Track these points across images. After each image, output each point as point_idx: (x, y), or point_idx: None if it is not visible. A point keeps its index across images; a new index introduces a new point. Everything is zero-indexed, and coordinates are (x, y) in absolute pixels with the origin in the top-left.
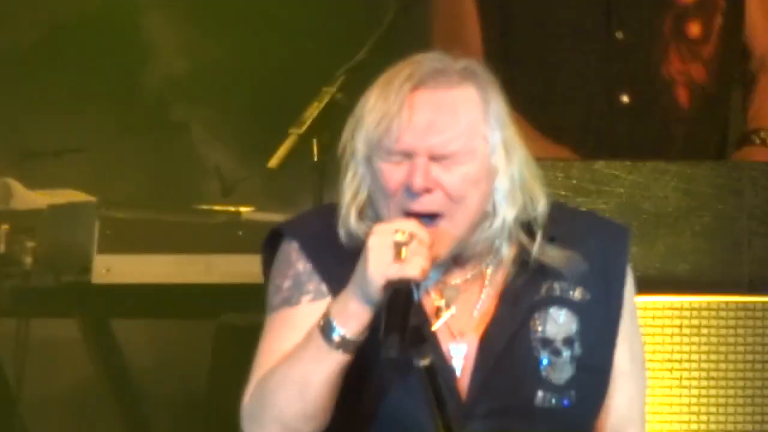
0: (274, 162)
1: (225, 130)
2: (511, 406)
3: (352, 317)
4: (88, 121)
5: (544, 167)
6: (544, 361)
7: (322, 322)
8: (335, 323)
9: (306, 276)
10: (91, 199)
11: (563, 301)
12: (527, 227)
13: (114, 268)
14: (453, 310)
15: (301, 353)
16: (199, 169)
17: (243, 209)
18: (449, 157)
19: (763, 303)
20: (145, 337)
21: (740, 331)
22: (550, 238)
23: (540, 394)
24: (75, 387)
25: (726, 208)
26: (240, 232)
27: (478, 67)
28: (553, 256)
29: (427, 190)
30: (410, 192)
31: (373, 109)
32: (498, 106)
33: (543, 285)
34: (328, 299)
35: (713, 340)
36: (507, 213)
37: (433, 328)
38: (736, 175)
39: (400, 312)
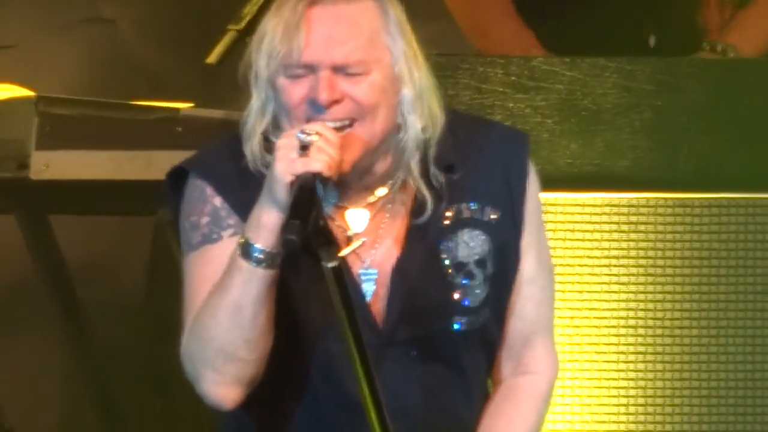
0: (212, 58)
1: (157, 26)
2: (429, 332)
3: (265, 228)
4: (17, 17)
5: (483, 63)
6: (459, 286)
7: (240, 244)
8: (251, 239)
9: (224, 211)
10: (30, 94)
11: (473, 223)
12: (428, 148)
13: (53, 164)
14: (361, 240)
15: (226, 280)
16: (130, 66)
17: (181, 106)
18: (353, 67)
19: (701, 199)
20: (84, 233)
21: (678, 227)
22: (449, 166)
23: (456, 319)
24: (11, 285)
25: (665, 105)
26: (179, 128)
27: None
28: (457, 179)
29: (336, 101)
30: (316, 106)
31: (271, 28)
32: (397, 16)
33: (452, 208)
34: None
35: (651, 236)
36: (415, 122)
37: (342, 254)
38: (677, 71)
39: (305, 205)
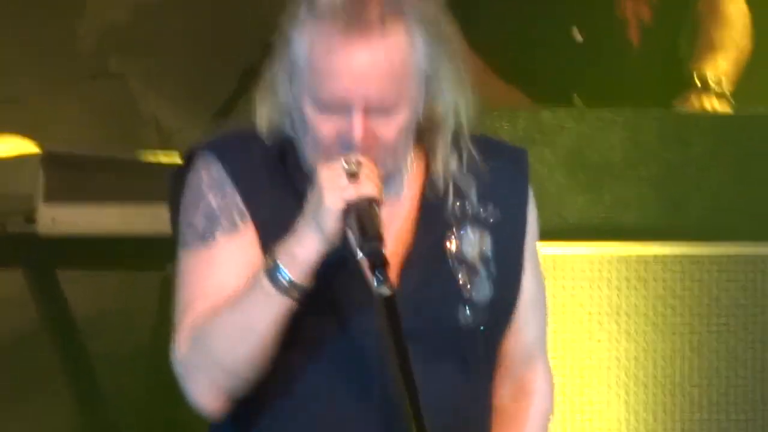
0: (219, 111)
1: (165, 80)
2: (436, 328)
3: (301, 260)
4: (25, 71)
5: (491, 117)
6: (463, 278)
7: (268, 266)
8: (282, 267)
9: (220, 210)
10: (37, 149)
11: (477, 220)
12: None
13: (60, 219)
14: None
15: (245, 298)
16: (138, 119)
17: None
18: (386, 107)
19: (710, 252)
20: (91, 288)
21: (687, 281)
22: (459, 156)
23: (462, 312)
24: (18, 340)
25: (673, 158)
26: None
27: (414, 3)
28: (463, 174)
29: (365, 146)
30: (347, 145)
31: (309, 57)
32: (428, 34)
33: (455, 204)
34: (247, 228)
35: (659, 288)
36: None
37: (358, 257)
38: (684, 124)
39: (372, 224)
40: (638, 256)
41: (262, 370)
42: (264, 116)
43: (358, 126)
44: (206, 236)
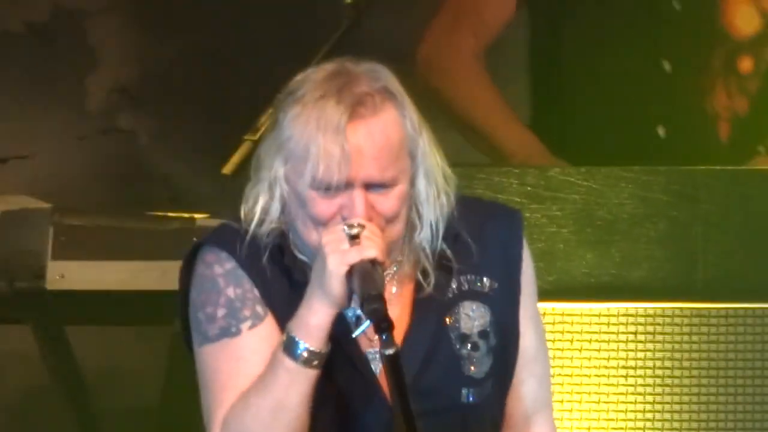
0: (228, 168)
1: (174, 137)
2: (438, 407)
3: (314, 327)
4: (35, 127)
5: (499, 173)
6: (465, 357)
7: (284, 343)
8: (298, 339)
9: (239, 302)
10: (45, 205)
11: (474, 294)
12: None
13: (68, 275)
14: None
15: (270, 380)
16: (148, 176)
17: (197, 216)
18: (385, 183)
19: (718, 310)
20: (100, 344)
21: (695, 338)
22: (455, 235)
23: (465, 390)
24: (27, 395)
25: (681, 215)
26: (195, 239)
27: (389, 77)
28: (458, 252)
29: (368, 220)
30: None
31: (305, 140)
32: (412, 116)
33: (452, 281)
34: (267, 318)
35: (668, 346)
36: (430, 217)
37: (354, 335)
38: (691, 181)
39: (373, 284)
40: (645, 312)
41: None
42: (257, 202)
43: (359, 203)
44: (231, 329)
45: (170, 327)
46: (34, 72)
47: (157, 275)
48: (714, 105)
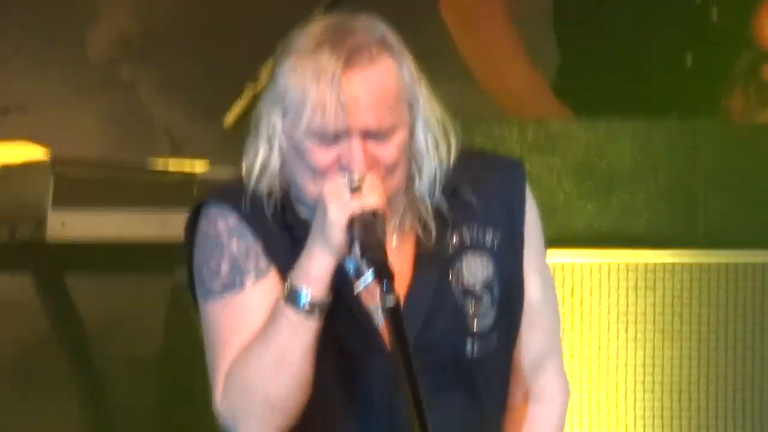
0: (229, 119)
1: (176, 88)
2: (442, 361)
3: (316, 277)
4: (36, 79)
5: (500, 125)
6: (468, 311)
7: (286, 293)
8: (300, 289)
9: (243, 257)
10: (46, 155)
11: (476, 247)
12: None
13: (68, 224)
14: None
15: (272, 330)
16: (149, 127)
17: (198, 166)
18: (383, 131)
19: (718, 260)
20: (100, 293)
21: (695, 288)
22: (454, 189)
23: (468, 344)
24: (27, 345)
25: (681, 167)
26: (195, 190)
27: (386, 29)
28: (460, 206)
29: (367, 169)
30: (348, 170)
31: (301, 90)
32: (410, 66)
33: (454, 233)
34: (270, 273)
35: (668, 297)
36: (429, 169)
37: (356, 287)
38: (691, 133)
39: (374, 236)
40: (646, 264)
41: (306, 395)
42: (257, 156)
43: (358, 152)
44: (234, 283)
45: (170, 276)
46: (35, 23)
47: (157, 225)
48: (730, 106)
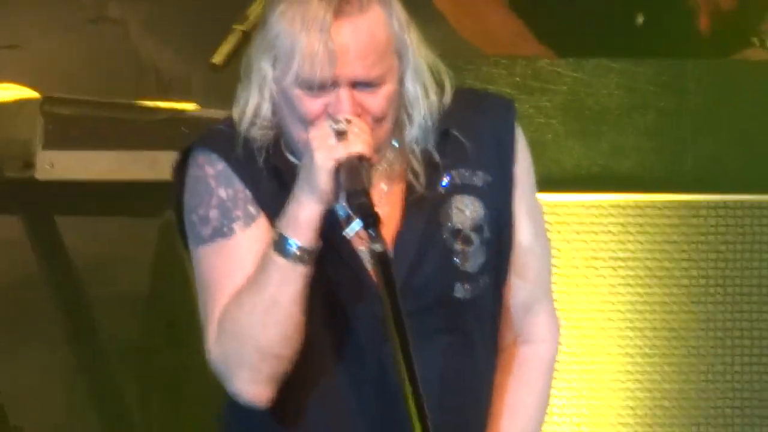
0: (218, 58)
1: (165, 26)
2: (431, 303)
3: (304, 223)
4: (23, 17)
5: (487, 64)
6: (458, 252)
7: (275, 241)
8: (288, 236)
9: (231, 202)
10: (35, 94)
11: (466, 188)
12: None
13: (58, 164)
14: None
15: (262, 278)
16: (137, 66)
17: (187, 106)
18: (371, 81)
19: (707, 201)
20: (89, 232)
21: (684, 229)
22: (445, 131)
23: (458, 285)
24: (16, 284)
25: (669, 106)
26: (184, 129)
27: None
28: (450, 148)
29: (356, 116)
30: (336, 119)
31: (291, 38)
32: (399, 15)
33: (444, 176)
34: (260, 218)
35: (657, 237)
36: (420, 115)
37: (344, 232)
38: (680, 73)
39: (359, 180)
40: (635, 203)
41: (298, 342)
42: (248, 103)
43: (345, 100)
44: (224, 229)
45: (159, 216)
46: None
47: (146, 164)
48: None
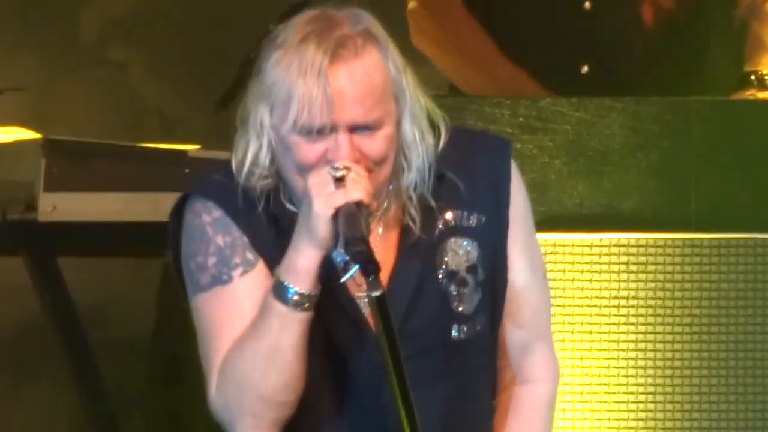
0: (220, 101)
1: (168, 69)
2: (428, 346)
3: (303, 270)
4: (28, 60)
5: (490, 104)
6: (453, 294)
7: (274, 287)
8: (288, 283)
9: (229, 249)
10: (37, 136)
11: (461, 230)
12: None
13: (60, 206)
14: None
15: (262, 325)
16: (140, 109)
17: (189, 148)
18: (370, 125)
19: (710, 240)
20: (92, 275)
21: (687, 268)
22: (440, 175)
23: (455, 328)
24: (19, 327)
25: (673, 146)
26: (187, 170)
27: (371, 20)
28: (445, 190)
29: (354, 162)
30: (335, 165)
31: (287, 85)
32: (395, 58)
33: (439, 218)
34: (258, 264)
35: (660, 277)
36: (417, 160)
37: (342, 279)
38: (684, 112)
39: (357, 227)
40: (637, 242)
41: (300, 389)
42: (246, 151)
43: (344, 145)
44: (223, 276)
45: (162, 258)
46: (26, 3)
47: (148, 206)
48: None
